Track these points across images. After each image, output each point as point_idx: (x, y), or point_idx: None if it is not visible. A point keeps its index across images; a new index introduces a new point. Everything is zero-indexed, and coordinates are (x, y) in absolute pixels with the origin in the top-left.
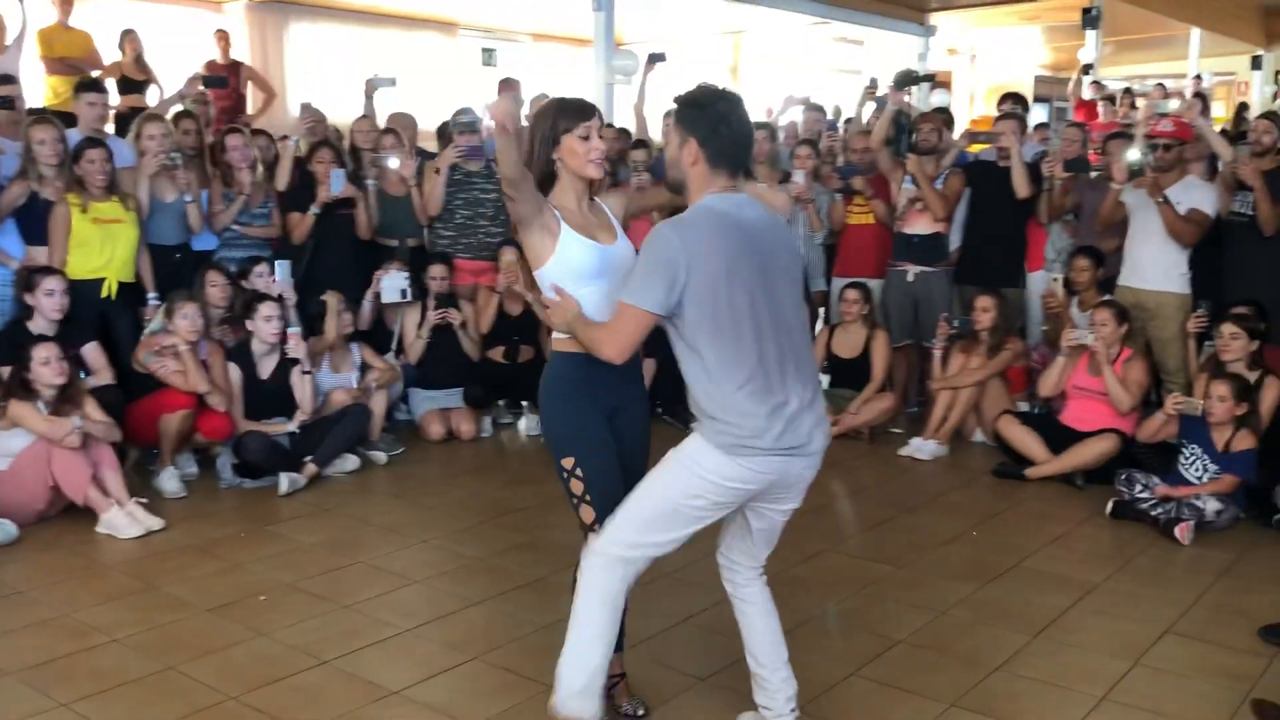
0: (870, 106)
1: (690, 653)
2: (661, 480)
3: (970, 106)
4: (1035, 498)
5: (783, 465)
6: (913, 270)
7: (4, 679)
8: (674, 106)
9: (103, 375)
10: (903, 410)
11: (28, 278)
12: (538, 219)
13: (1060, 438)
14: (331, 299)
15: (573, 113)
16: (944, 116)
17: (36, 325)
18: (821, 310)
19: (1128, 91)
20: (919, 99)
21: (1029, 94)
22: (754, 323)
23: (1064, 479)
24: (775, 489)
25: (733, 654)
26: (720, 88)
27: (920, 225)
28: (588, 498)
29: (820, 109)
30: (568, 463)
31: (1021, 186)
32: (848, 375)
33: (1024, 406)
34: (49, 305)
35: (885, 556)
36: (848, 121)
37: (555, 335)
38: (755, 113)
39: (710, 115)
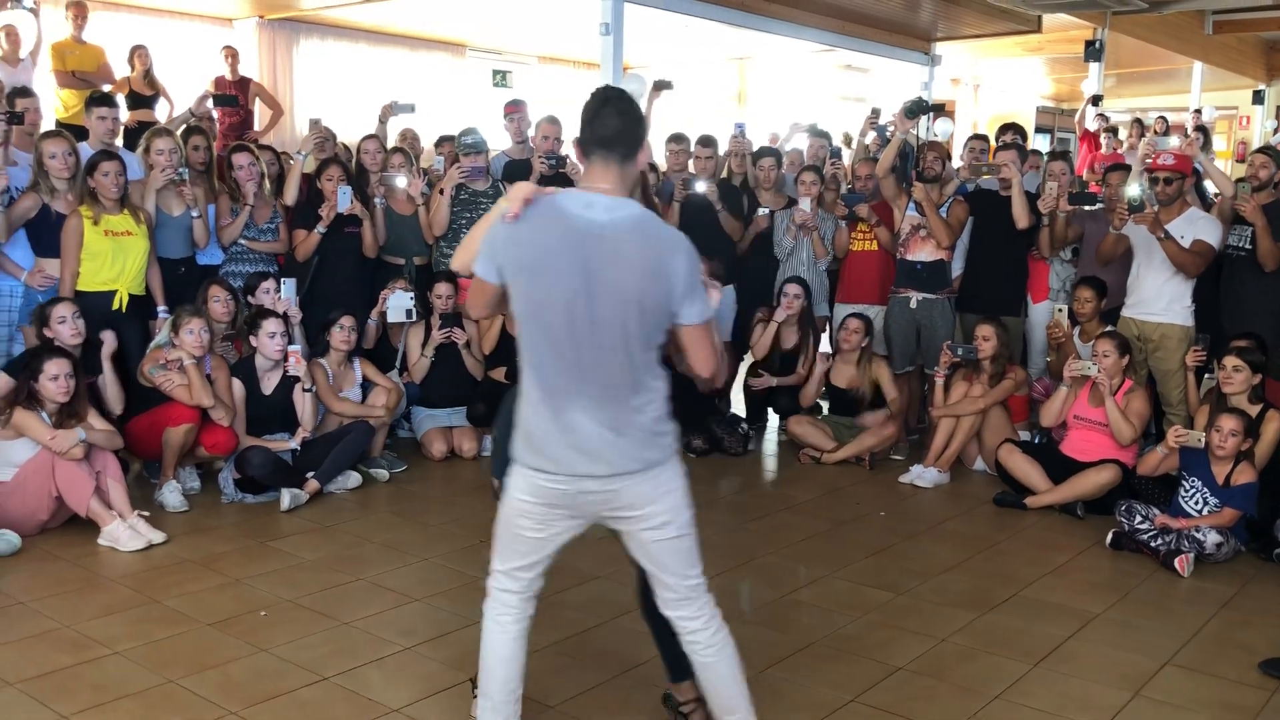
0: (872, 134)
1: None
2: None
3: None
4: (1035, 527)
5: (564, 485)
6: (916, 297)
7: (5, 690)
8: None
9: (114, 406)
10: (904, 437)
11: (40, 313)
12: None
13: (1061, 467)
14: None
15: None
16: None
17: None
18: (825, 336)
19: (1138, 122)
20: (922, 128)
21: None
22: (561, 326)
23: (1064, 509)
24: (600, 506)
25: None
26: (603, 87)
27: (924, 252)
28: None
29: (825, 136)
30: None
31: (1021, 217)
32: (843, 405)
33: (1025, 436)
34: (65, 333)
35: (885, 583)
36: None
37: None
38: (760, 139)
39: (583, 113)
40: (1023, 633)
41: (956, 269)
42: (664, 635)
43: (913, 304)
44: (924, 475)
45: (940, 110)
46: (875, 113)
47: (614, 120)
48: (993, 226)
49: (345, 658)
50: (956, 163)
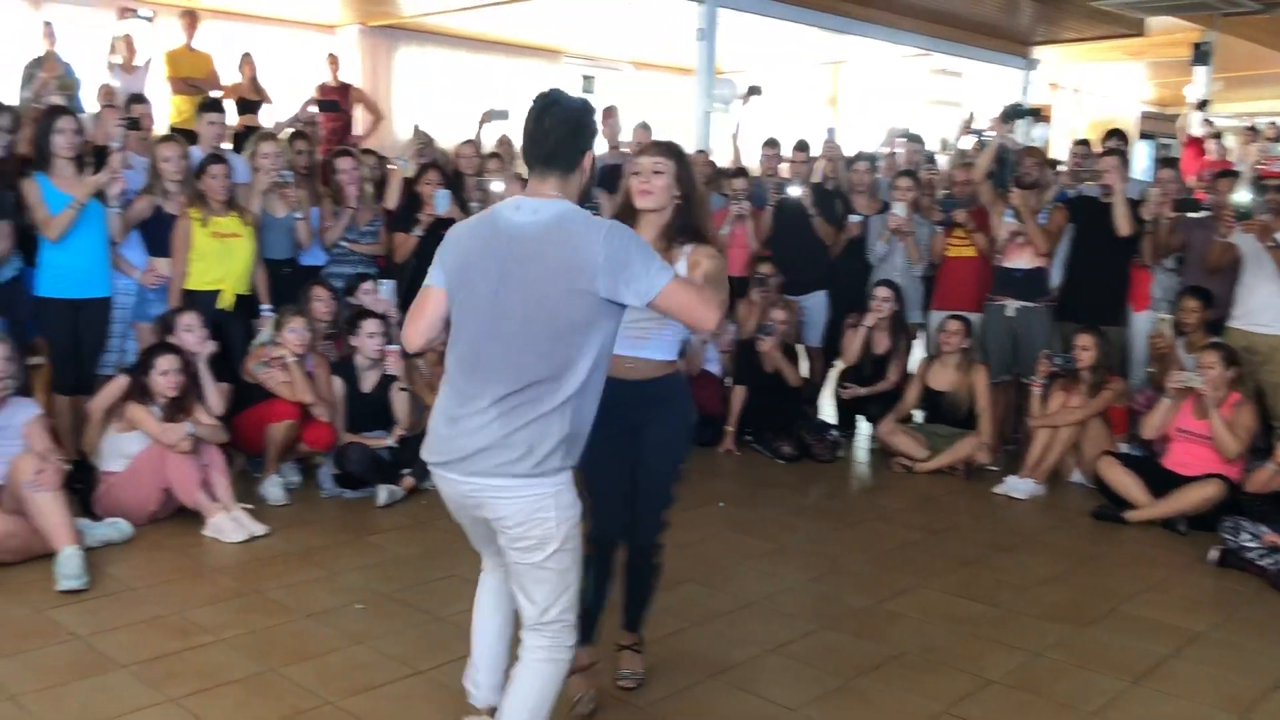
0: (966, 139)
1: (779, 682)
2: None
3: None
4: (1135, 542)
5: (448, 482)
6: (1012, 305)
7: (118, 672)
8: None
9: (215, 408)
10: (999, 448)
11: (165, 319)
12: None
13: (1162, 482)
14: None
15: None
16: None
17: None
18: (917, 342)
19: (1251, 129)
20: (1019, 133)
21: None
22: (476, 325)
23: (1166, 524)
24: (480, 511)
25: (823, 686)
26: (541, 94)
27: (1021, 259)
28: None
29: (920, 140)
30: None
31: (1123, 224)
32: (942, 409)
33: (1125, 448)
34: (191, 341)
35: (978, 595)
36: (962, 155)
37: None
38: (854, 144)
39: (524, 124)
40: (1121, 649)
41: (1056, 277)
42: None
43: (1009, 312)
44: (1019, 486)
45: (1038, 115)
46: (970, 117)
47: (551, 137)
48: (1094, 234)
49: (438, 652)
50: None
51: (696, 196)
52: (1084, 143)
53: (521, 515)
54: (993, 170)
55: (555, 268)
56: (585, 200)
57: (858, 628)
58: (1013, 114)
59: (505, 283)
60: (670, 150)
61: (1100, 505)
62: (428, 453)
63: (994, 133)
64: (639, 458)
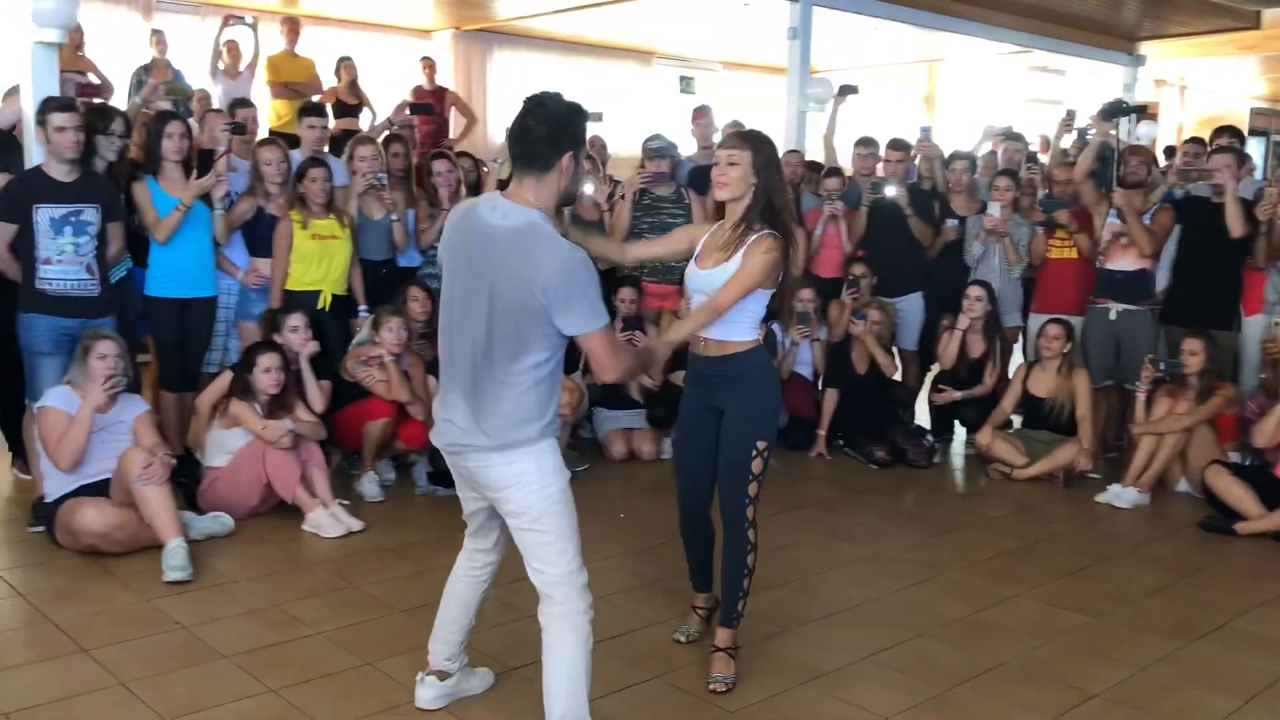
0: (1068, 138)
1: (873, 690)
2: None
3: (1178, 140)
4: (1246, 554)
5: (449, 455)
6: (1115, 308)
7: (220, 661)
8: None
9: (315, 405)
10: (1101, 455)
11: (272, 318)
12: None
13: (1276, 492)
14: None
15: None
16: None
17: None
18: (1017, 346)
19: None
20: (1124, 131)
21: (1244, 127)
22: (453, 315)
23: (1278, 537)
24: (476, 479)
25: (918, 695)
26: (527, 98)
27: (1125, 261)
28: None
29: (1021, 139)
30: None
31: (1236, 225)
32: (1041, 415)
33: (1235, 457)
34: (296, 341)
35: (1079, 606)
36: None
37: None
38: (951, 143)
39: (509, 127)
40: (1232, 666)
41: (1162, 280)
42: (695, 546)
43: (1112, 315)
44: (1122, 495)
45: (1143, 112)
46: (1070, 115)
47: (529, 136)
48: (1204, 235)
49: (527, 651)
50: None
51: (773, 183)
52: (1197, 141)
53: (503, 483)
54: (1095, 169)
55: (512, 276)
56: (568, 202)
57: (954, 637)
58: (1115, 111)
59: (471, 278)
60: (745, 139)
61: (1208, 516)
62: (434, 432)
63: (1095, 131)
64: (721, 432)
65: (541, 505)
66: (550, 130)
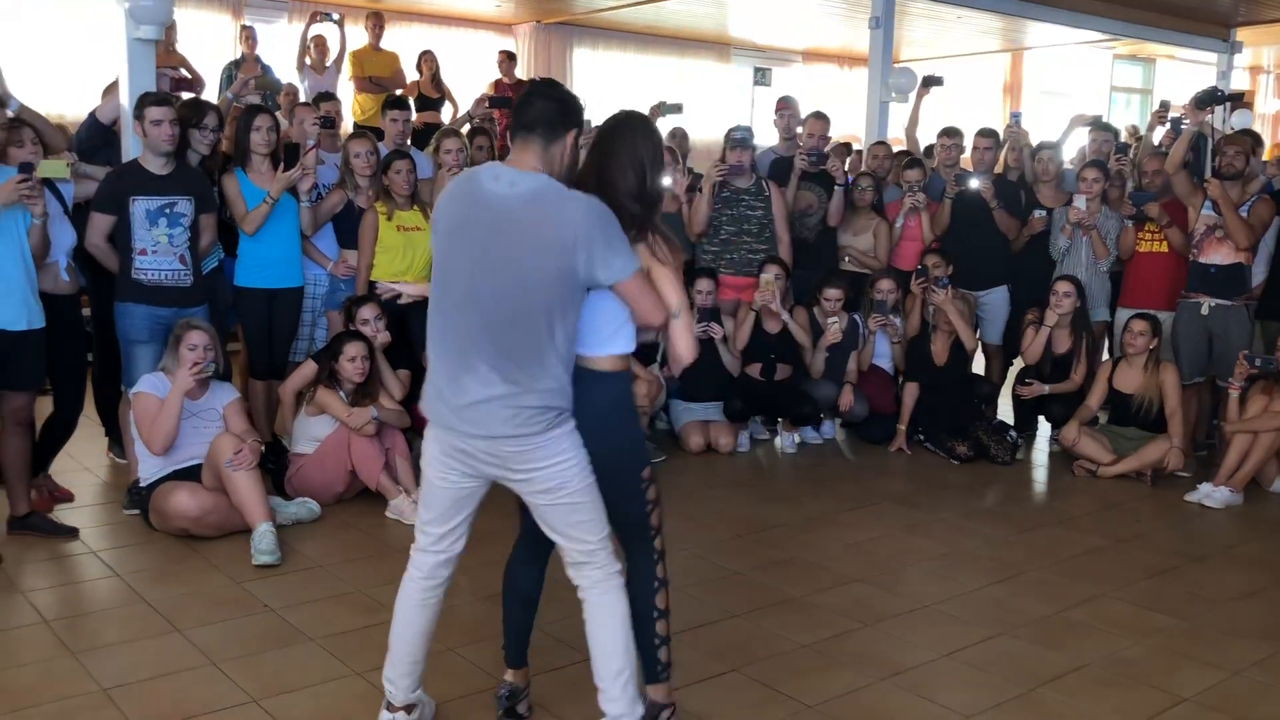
0: (1161, 129)
1: (954, 688)
2: None
3: (1274, 129)
4: None
5: (456, 440)
6: (1209, 303)
7: (307, 644)
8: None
9: (394, 393)
10: (1191, 453)
11: (349, 308)
12: None
13: None
14: None
15: None
16: (1251, 140)
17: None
18: (1105, 342)
19: None
20: (1217, 120)
21: None
22: (459, 287)
23: None
24: (475, 462)
25: (1001, 694)
26: (531, 80)
27: (1219, 255)
28: (658, 498)
29: (1110, 129)
30: (646, 473)
31: None
32: (1130, 411)
33: None
34: (368, 332)
35: (1168, 607)
36: (1139, 139)
37: (595, 354)
38: (1037, 134)
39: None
40: None
41: (1259, 274)
42: (512, 615)
43: (1205, 310)
44: (1214, 494)
45: (1238, 100)
46: (1164, 106)
47: (534, 105)
48: None
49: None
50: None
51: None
52: None
53: (543, 461)
54: (1188, 160)
55: (533, 245)
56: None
57: (1038, 636)
58: (1208, 99)
59: (487, 252)
60: None
61: None
62: (428, 411)
63: (1189, 120)
64: None
65: (580, 478)
66: (559, 106)
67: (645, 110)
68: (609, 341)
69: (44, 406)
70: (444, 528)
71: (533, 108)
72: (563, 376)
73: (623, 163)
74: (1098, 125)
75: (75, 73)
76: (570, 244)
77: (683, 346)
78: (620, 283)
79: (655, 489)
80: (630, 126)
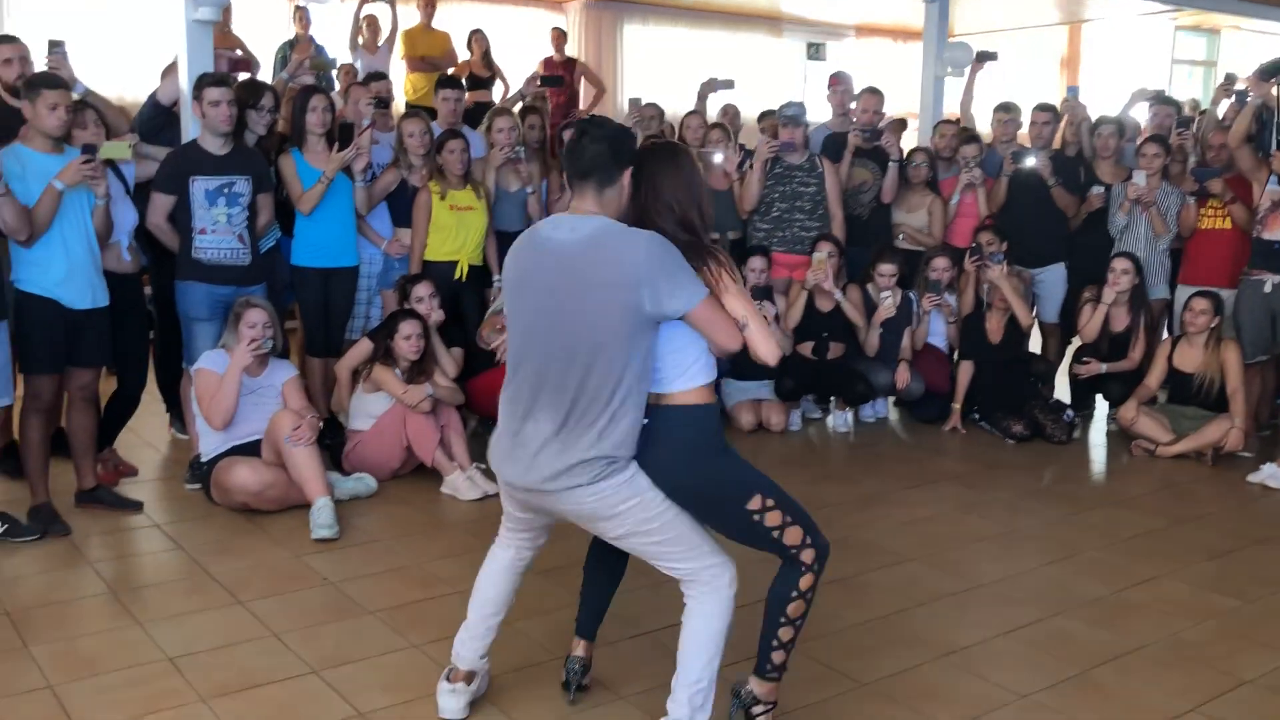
0: (1225, 104)
1: (1010, 667)
2: None
3: None
4: None
5: (513, 490)
6: (1273, 280)
7: (366, 617)
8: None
9: (448, 370)
10: (1253, 433)
11: (403, 287)
12: None
13: None
14: None
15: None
16: None
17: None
18: (1164, 320)
19: None
20: None
21: None
22: (529, 337)
23: None
24: (553, 509)
25: (1058, 674)
26: (578, 120)
27: None
28: (788, 520)
29: (1173, 103)
30: (755, 503)
31: None
32: (1190, 391)
33: None
34: (422, 310)
35: (1230, 589)
36: (1202, 113)
37: (677, 389)
38: (1096, 108)
39: (565, 146)
40: None
41: None
42: (595, 587)
43: (1268, 288)
44: (1277, 475)
45: None
46: (1230, 79)
47: (586, 152)
48: None
49: (663, 614)
50: None
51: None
52: None
53: (606, 513)
54: (1252, 134)
55: (599, 283)
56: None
57: (1095, 617)
58: (1273, 70)
59: (554, 299)
60: None
61: None
62: (494, 462)
63: (1253, 93)
64: None
65: (657, 518)
66: (609, 146)
67: (696, 88)
68: (690, 373)
69: (108, 384)
70: (527, 532)
71: (585, 154)
72: (624, 423)
73: (658, 207)
74: (1159, 99)
75: (136, 55)
76: (634, 281)
77: (764, 351)
78: (690, 311)
79: (781, 512)
80: (655, 161)
